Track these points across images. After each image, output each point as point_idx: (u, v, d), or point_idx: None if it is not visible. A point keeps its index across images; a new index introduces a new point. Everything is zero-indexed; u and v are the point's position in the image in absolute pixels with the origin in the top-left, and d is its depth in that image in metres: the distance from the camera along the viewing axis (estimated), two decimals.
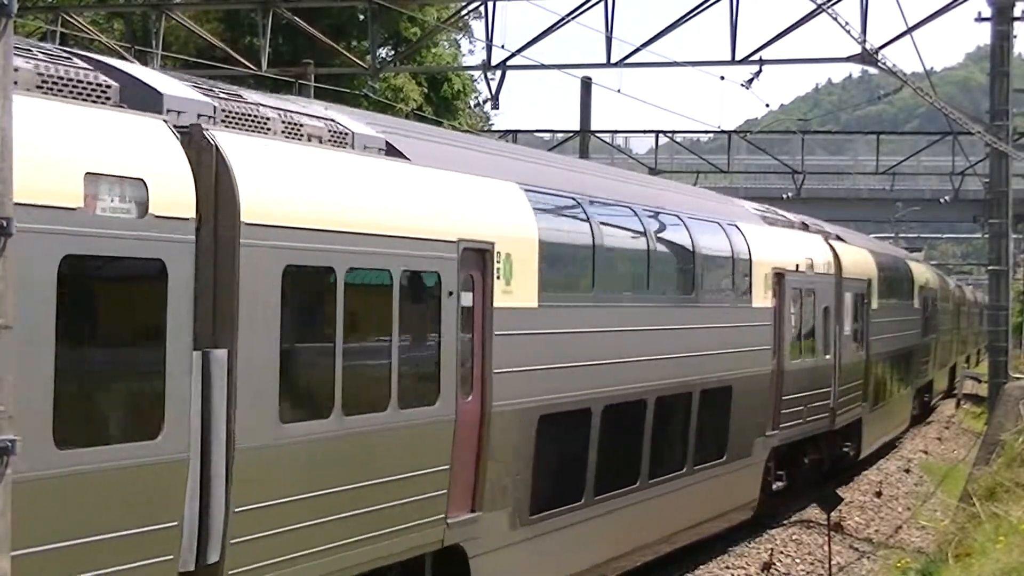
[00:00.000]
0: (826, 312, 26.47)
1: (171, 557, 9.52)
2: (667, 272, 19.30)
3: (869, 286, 30.63)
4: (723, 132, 50.78)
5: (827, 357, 26.63)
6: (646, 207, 18.69)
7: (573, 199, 16.47)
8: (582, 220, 16.38)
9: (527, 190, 15.05)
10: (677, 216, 19.66)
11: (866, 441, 31.49)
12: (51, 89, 9.28)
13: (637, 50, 29.81)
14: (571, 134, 48.65)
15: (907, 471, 34.18)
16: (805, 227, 27.73)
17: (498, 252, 13.82)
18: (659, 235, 18.83)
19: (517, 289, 14.32)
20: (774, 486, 24.45)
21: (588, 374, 16.00)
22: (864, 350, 30.08)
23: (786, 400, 23.81)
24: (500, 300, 13.91)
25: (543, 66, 30.72)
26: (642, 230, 18.11)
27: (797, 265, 24.65)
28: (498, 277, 13.95)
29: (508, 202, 14.61)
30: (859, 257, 30.61)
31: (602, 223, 16.76)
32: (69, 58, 9.85)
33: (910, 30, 28.79)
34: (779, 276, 23.48)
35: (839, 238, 29.85)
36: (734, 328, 21.08)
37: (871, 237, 47.61)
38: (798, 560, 22.75)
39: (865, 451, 31.81)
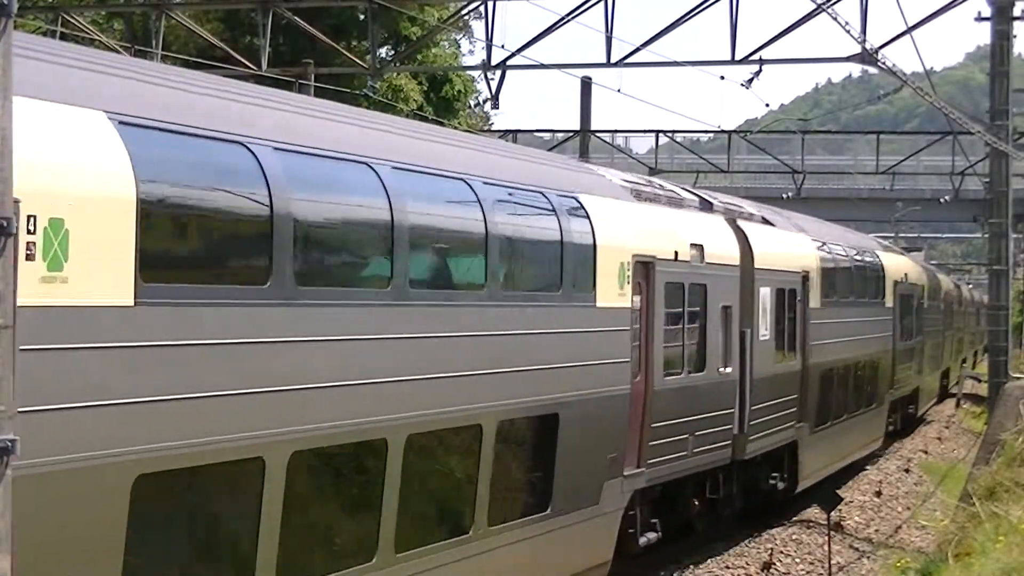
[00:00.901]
0: (726, 313, 21.46)
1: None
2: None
3: (806, 280, 25.58)
4: (723, 132, 50.80)
5: (726, 370, 21.49)
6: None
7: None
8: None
9: (123, 123, 9.68)
10: (463, 181, 14.16)
11: (808, 469, 26.30)
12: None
13: (637, 50, 29.83)
14: (571, 134, 48.66)
15: (907, 471, 34.18)
16: (708, 205, 22.49)
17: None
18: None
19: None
20: (642, 539, 18.89)
21: (257, 405, 10.60)
22: (799, 358, 25.29)
23: (657, 428, 18.62)
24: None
25: (543, 66, 30.71)
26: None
27: (676, 252, 19.40)
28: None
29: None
30: (786, 244, 25.31)
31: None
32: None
33: (910, 30, 28.79)
34: (645, 266, 18.26)
35: (766, 220, 25.05)
36: (561, 335, 15.80)
37: (888, 242, 47.80)
38: (798, 560, 22.76)
39: (805, 482, 26.28)
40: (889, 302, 34.46)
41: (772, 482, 24.43)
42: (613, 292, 16.90)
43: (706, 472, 20.91)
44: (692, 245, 19.84)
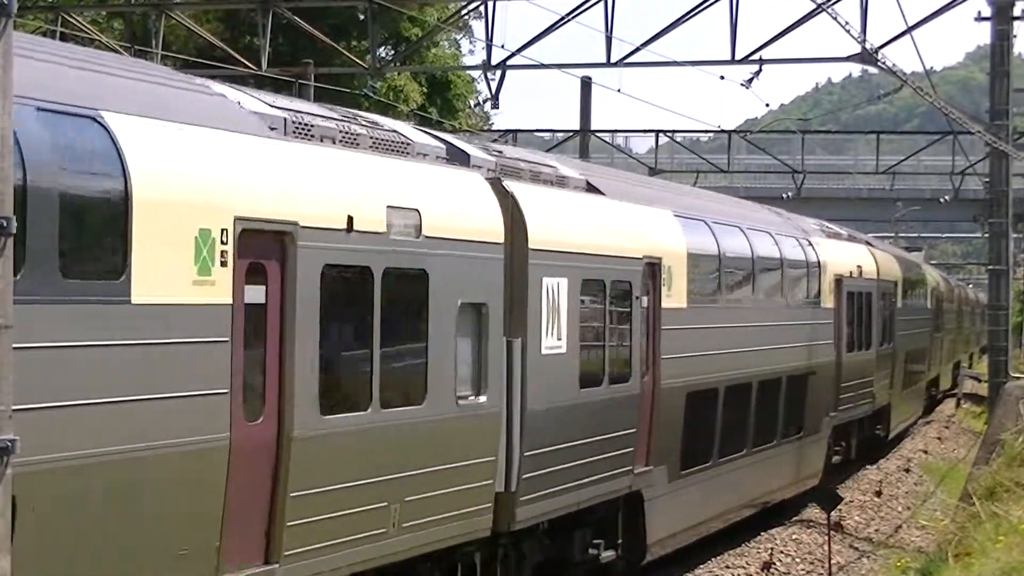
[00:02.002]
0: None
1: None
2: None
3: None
4: (723, 132, 50.84)
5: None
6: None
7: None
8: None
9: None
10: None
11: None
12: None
13: (637, 50, 29.83)
14: (571, 134, 48.67)
15: (907, 471, 34.17)
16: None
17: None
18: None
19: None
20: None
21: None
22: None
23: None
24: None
25: (543, 66, 30.72)
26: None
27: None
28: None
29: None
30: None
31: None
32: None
33: (910, 30, 28.80)
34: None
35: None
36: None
37: (888, 241, 47.80)
38: (798, 560, 22.76)
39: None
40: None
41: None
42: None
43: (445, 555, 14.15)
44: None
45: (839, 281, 27.55)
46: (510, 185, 15.05)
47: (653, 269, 18.03)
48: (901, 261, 37.50)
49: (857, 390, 29.49)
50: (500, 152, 16.27)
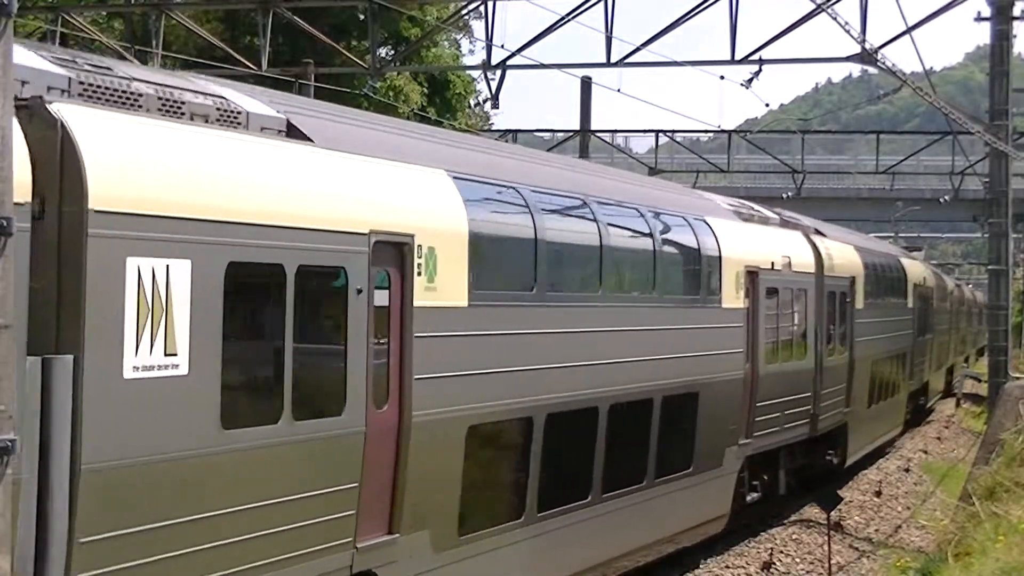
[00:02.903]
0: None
1: None
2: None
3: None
4: (723, 132, 50.83)
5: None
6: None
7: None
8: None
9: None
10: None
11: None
12: None
13: (637, 50, 29.82)
14: (571, 134, 48.67)
15: (907, 471, 34.17)
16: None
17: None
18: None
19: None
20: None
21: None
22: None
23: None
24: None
25: (543, 66, 30.71)
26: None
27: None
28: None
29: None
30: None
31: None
32: None
33: (910, 30, 28.79)
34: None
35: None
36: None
37: (870, 236, 45.94)
38: (798, 560, 22.76)
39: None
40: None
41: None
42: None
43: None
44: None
45: (753, 275, 21.94)
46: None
47: (399, 250, 12.57)
48: (865, 253, 31.42)
49: (784, 410, 23.68)
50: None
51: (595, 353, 16.29)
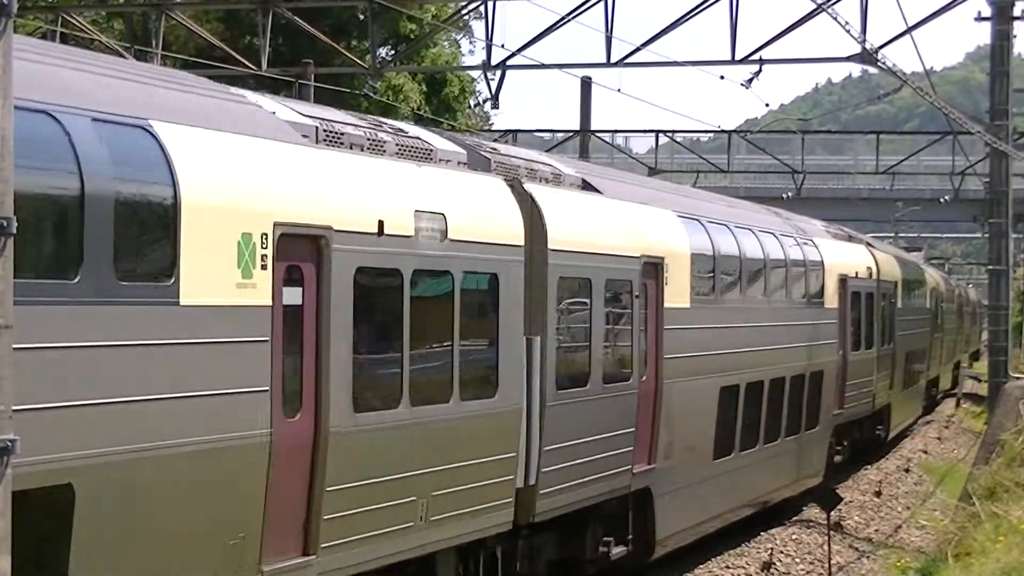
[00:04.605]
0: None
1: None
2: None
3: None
4: (723, 132, 50.81)
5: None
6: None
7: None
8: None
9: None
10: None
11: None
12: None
13: (637, 50, 29.81)
14: (571, 134, 48.66)
15: (907, 471, 34.19)
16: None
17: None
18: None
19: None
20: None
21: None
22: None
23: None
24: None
25: (543, 66, 30.71)
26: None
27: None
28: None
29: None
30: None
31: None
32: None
33: (910, 30, 28.78)
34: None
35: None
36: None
37: (888, 242, 47.89)
38: (798, 560, 22.77)
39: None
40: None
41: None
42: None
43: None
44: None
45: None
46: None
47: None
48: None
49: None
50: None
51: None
